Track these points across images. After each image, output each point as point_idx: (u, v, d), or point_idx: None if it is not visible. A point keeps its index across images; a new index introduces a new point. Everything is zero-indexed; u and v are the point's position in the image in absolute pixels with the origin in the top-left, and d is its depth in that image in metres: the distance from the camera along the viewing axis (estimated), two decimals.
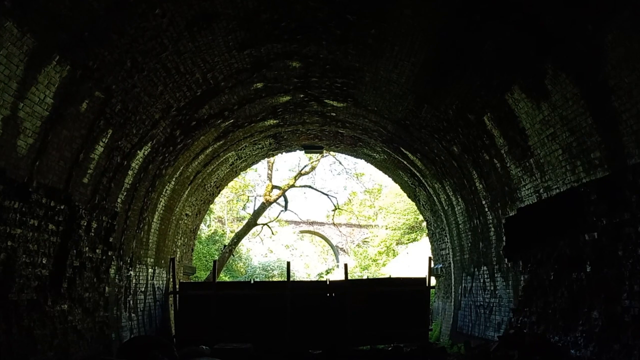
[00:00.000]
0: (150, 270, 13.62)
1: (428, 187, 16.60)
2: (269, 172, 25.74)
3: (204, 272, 30.37)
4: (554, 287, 9.40)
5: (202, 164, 15.66)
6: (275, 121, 15.85)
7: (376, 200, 50.98)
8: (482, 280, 13.10)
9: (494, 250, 12.18)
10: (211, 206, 38.65)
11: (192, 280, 20.36)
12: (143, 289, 13.01)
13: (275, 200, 26.57)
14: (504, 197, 11.24)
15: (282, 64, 11.50)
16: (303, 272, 50.43)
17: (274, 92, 13.16)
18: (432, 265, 17.73)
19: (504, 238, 11.46)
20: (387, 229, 51.83)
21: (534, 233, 10.20)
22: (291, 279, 15.81)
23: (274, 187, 26.23)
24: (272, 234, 33.24)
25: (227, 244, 25.65)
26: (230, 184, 33.01)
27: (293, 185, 26.84)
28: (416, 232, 49.65)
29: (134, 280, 12.14)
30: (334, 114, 15.42)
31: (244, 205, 31.91)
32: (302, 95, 13.76)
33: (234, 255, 30.31)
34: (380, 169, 20.24)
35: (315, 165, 27.29)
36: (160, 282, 14.77)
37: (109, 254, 10.45)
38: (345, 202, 36.36)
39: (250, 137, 16.57)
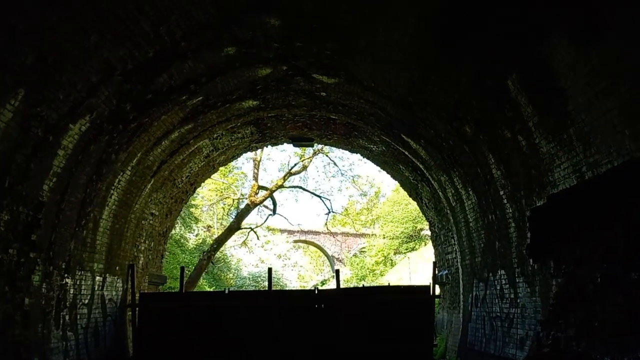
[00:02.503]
0: (98, 278, 11.29)
1: (432, 182, 14.41)
2: (255, 170, 23.53)
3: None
4: (601, 293, 7.22)
5: (167, 152, 13.42)
6: (255, 102, 13.68)
7: (374, 207, 48.95)
8: (498, 287, 10.88)
9: (515, 250, 9.97)
10: (198, 214, 36.54)
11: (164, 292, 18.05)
12: (87, 301, 10.69)
13: (261, 202, 24.32)
14: (529, 183, 9.05)
15: (258, 20, 9.30)
16: (297, 284, 48.13)
17: (250, 62, 10.98)
18: (437, 271, 15.48)
19: (529, 234, 9.26)
20: (384, 238, 49.98)
21: (570, 225, 8.04)
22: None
23: (260, 187, 24.01)
24: (257, 238, 30.93)
25: (206, 249, 23.33)
26: (212, 185, 30.88)
27: (282, 186, 24.59)
28: (414, 241, 47.82)
29: (71, 290, 9.85)
30: (324, 94, 13.25)
31: (229, 209, 29.57)
32: (285, 68, 11.58)
33: (214, 264, 27.94)
34: (378, 164, 18.06)
35: (307, 165, 25.11)
36: (114, 292, 12.39)
37: (31, 255, 8.20)
38: (342, 212, 34.15)
39: (227, 122, 14.36)
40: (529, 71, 7.63)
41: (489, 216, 11.11)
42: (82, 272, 10.37)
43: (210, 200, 31.11)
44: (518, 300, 9.86)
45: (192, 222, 35.44)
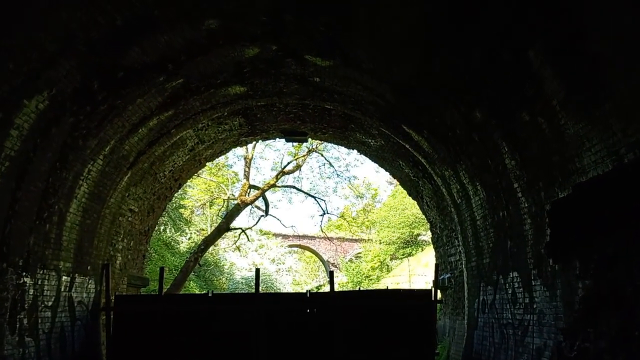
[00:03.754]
0: (65, 278, 10.14)
1: (435, 177, 13.30)
2: (246, 169, 22.36)
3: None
4: None
5: (145, 141, 12.24)
6: (242, 88, 12.56)
7: (371, 211, 47.82)
8: (510, 291, 9.78)
9: (531, 250, 8.87)
10: (188, 215, 35.29)
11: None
12: (50, 304, 9.55)
13: (252, 202, 23.14)
14: (550, 172, 7.96)
15: None
16: (291, 289, 46.93)
17: (235, 38, 9.86)
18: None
19: (549, 231, 8.16)
20: (380, 243, 48.96)
21: (601, 218, 6.93)
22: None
23: (251, 187, 22.85)
24: (248, 239, 29.76)
25: (194, 250, 22.10)
26: (203, 185, 29.66)
27: (274, 185, 23.42)
28: (411, 246, 46.75)
29: (31, 290, 8.69)
30: (318, 79, 12.15)
31: (219, 211, 28.38)
32: (274, 48, 10.48)
33: (201, 266, 26.71)
34: (376, 161, 16.94)
35: (301, 164, 23.97)
36: (85, 294, 11.23)
37: None
38: (338, 216, 32.91)
39: (212, 110, 13.22)
40: (555, 37, 6.55)
41: (500, 213, 10.01)
42: (45, 270, 9.21)
43: (200, 201, 29.88)
44: (534, 306, 8.75)
45: (183, 224, 34.24)
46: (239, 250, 36.60)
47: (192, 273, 33.20)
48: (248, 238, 29.12)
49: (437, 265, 13.85)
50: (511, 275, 9.69)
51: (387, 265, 48.74)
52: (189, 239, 35.92)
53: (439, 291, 14.62)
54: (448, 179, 12.33)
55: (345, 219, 29.69)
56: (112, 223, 12.70)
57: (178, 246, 34.00)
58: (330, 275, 12.78)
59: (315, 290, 47.65)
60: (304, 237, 56.05)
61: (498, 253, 10.35)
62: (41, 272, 9.04)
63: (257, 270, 12.45)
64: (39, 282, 8.99)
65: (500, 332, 10.06)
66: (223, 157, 23.61)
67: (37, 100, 7.66)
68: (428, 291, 13.13)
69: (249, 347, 11.60)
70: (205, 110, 13.16)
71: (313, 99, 13.40)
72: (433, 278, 13.80)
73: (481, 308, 11.32)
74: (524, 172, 8.71)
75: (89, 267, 11.43)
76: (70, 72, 7.91)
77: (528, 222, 8.86)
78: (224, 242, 38.99)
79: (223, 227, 22.00)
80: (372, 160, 17.22)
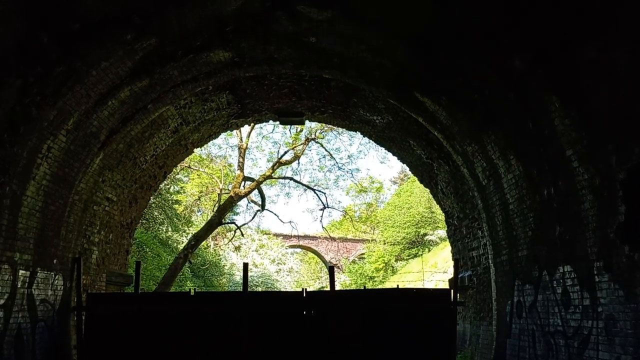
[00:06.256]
0: (22, 272, 8.75)
1: (454, 156, 11.28)
2: (240, 159, 20.36)
3: (175, 287, 25.02)
4: None
5: (117, 116, 10.45)
6: (226, 54, 10.60)
7: (375, 210, 45.99)
8: (559, 290, 7.74)
9: (593, 235, 6.83)
10: (181, 210, 33.33)
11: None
12: (3, 302, 8.24)
13: (247, 194, 21.15)
14: (626, 129, 5.92)
15: None
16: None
17: None
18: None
19: (623, 208, 6.14)
20: (385, 243, 47.27)
21: None
22: None
23: (246, 178, 20.86)
24: (242, 235, 27.77)
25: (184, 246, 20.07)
26: (197, 180, 27.75)
27: (270, 177, 21.41)
28: (417, 247, 44.92)
29: None
30: (314, 40, 10.19)
31: (213, 207, 26.37)
32: None
33: (192, 263, 24.79)
34: (382, 144, 14.93)
35: (299, 154, 21.93)
36: (50, 292, 9.81)
37: None
38: (341, 213, 30.99)
39: (194, 82, 11.25)
40: None
41: (544, 191, 7.98)
42: None
43: (195, 196, 27.93)
44: (599, 309, 6.70)
45: (182, 223, 32.31)
46: (239, 250, 34.64)
47: (190, 273, 31.46)
48: (243, 234, 27.07)
49: (456, 261, 11.81)
50: (561, 270, 7.66)
51: (392, 267, 47.03)
52: (188, 238, 34.07)
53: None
54: (471, 156, 10.31)
55: (348, 213, 27.64)
56: (84, 212, 11.17)
57: (175, 245, 32.22)
58: (330, 270, 10.75)
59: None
60: (306, 237, 54.85)
61: (540, 242, 8.33)
62: None
63: (245, 265, 10.53)
64: None
65: (545, 341, 8.02)
66: (217, 148, 21.75)
67: None
68: (446, 291, 11.14)
69: (235, 353, 9.77)
70: (186, 82, 11.26)
71: (309, 66, 11.43)
72: (451, 276, 11.78)
73: (516, 312, 9.29)
74: (583, 134, 6.69)
75: (55, 261, 10.03)
76: (6, 18, 5.98)
77: (588, 198, 6.83)
78: (223, 243, 37.30)
79: (215, 221, 20.01)
80: (378, 144, 15.21)
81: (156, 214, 28.43)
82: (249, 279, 33.94)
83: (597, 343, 6.69)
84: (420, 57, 9.28)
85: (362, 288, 24.87)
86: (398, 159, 15.05)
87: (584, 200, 6.94)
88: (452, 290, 10.93)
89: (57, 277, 10.07)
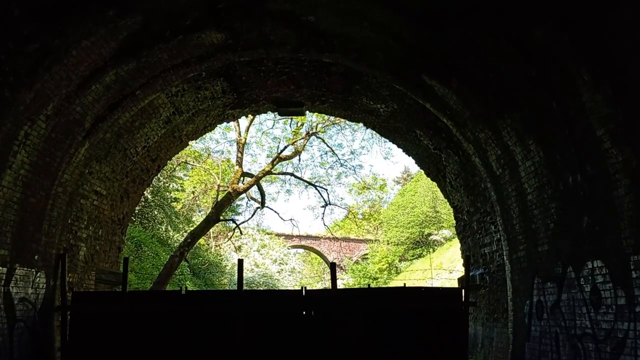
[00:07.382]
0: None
1: (465, 145, 10.47)
2: (239, 154, 19.57)
3: (173, 287, 24.33)
4: None
5: (102, 102, 9.74)
6: (219, 35, 9.86)
7: (379, 209, 45.21)
8: (588, 288, 6.93)
9: (628, 225, 6.04)
10: (179, 207, 32.60)
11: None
12: None
13: (245, 191, 20.35)
14: None
15: None
16: None
17: None
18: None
19: None
20: (388, 244, 46.62)
21: None
22: None
23: (245, 174, 20.07)
24: (241, 233, 26.99)
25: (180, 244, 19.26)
26: (195, 177, 26.96)
27: (270, 172, 20.60)
28: (422, 247, 44.25)
29: None
30: (312, 19, 9.45)
31: (212, 204, 25.58)
32: None
33: (188, 261, 24.10)
34: (387, 135, 14.14)
35: (300, 150, 21.12)
36: (31, 290, 9.14)
37: None
38: (344, 212, 30.14)
39: (185, 67, 10.49)
40: None
41: (569, 178, 7.18)
42: None
43: (193, 193, 27.17)
44: (637, 309, 5.89)
45: (179, 221, 31.57)
46: (240, 250, 33.89)
47: (190, 273, 30.76)
48: (241, 232, 26.31)
49: (467, 257, 11.00)
50: (590, 266, 6.85)
51: (396, 267, 46.39)
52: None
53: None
54: (484, 144, 9.51)
55: (351, 211, 26.82)
56: (69, 205, 10.44)
57: (174, 244, 31.55)
58: (332, 267, 9.93)
59: None
60: (308, 237, 54.30)
61: (564, 236, 7.53)
62: None
63: (240, 261, 9.76)
64: None
65: (572, 345, 7.22)
66: (215, 143, 20.93)
67: None
68: (457, 290, 10.37)
69: (230, 353, 9.01)
70: (177, 66, 10.51)
71: (308, 49, 10.65)
72: (460, 275, 10.97)
73: (536, 312, 8.48)
74: (617, 110, 5.88)
75: (36, 257, 9.34)
76: None
77: (623, 183, 6.02)
78: (225, 243, 36.65)
79: (212, 218, 19.21)
80: (382, 135, 14.43)
81: (155, 212, 27.77)
82: (251, 279, 32.98)
83: (636, 348, 5.88)
84: (429, 33, 8.49)
85: (367, 286, 24.12)
86: (403, 151, 14.24)
87: (617, 186, 6.13)
88: (463, 290, 10.15)
89: (38, 274, 9.40)
